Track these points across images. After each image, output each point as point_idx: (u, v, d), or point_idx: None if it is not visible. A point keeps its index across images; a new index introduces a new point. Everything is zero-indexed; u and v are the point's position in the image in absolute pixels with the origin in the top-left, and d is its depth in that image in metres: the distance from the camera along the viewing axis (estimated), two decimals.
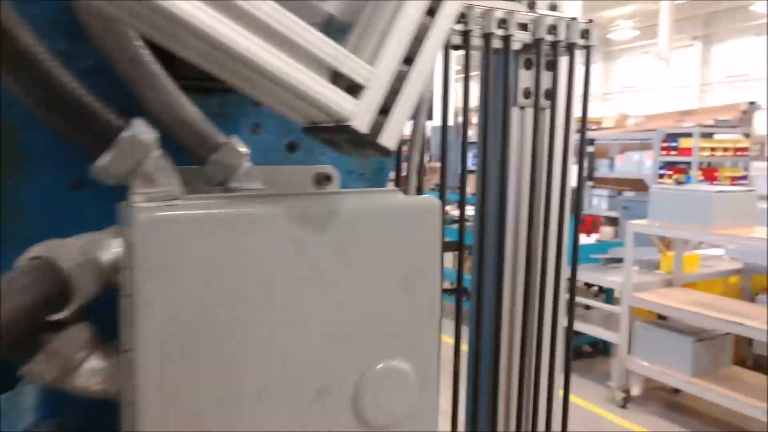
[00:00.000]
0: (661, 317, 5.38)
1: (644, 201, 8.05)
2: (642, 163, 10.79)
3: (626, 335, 5.22)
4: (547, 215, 1.21)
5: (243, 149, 0.86)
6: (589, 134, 12.11)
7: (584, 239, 6.52)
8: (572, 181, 5.33)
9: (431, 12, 0.74)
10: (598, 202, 11.53)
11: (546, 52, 1.12)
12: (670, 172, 10.23)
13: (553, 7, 1.14)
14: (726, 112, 10.58)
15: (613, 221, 10.90)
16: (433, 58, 0.73)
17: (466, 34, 1.04)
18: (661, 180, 10.24)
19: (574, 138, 1.17)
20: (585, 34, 1.13)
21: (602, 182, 11.66)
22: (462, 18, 1.02)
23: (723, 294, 5.61)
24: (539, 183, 1.25)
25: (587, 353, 6.48)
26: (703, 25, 21.71)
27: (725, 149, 10.05)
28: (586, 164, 11.78)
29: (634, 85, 24.84)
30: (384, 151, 0.71)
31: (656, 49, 18.65)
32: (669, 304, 4.90)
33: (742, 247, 5.51)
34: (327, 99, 0.67)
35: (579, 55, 1.15)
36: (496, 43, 1.07)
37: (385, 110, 0.71)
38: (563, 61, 1.15)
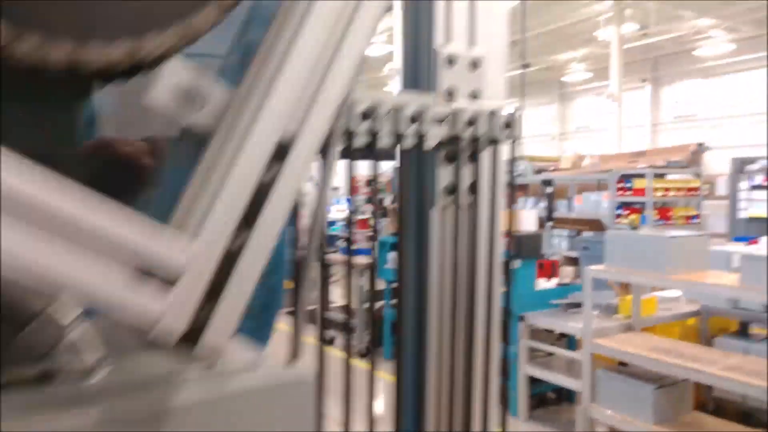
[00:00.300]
0: (622, 363, 5.34)
1: (602, 241, 8.14)
2: (599, 203, 10.98)
3: (588, 383, 5.16)
4: (471, 320, 1.07)
5: (68, 317, 0.67)
6: (547, 175, 12.32)
7: (544, 284, 6.50)
8: (531, 226, 5.25)
9: (282, 153, 0.64)
10: (558, 243, 11.64)
11: (467, 145, 1.04)
12: (627, 212, 10.42)
13: (475, 95, 1.07)
14: (676, 152, 10.90)
15: (573, 261, 11.00)
16: (283, 215, 0.63)
17: (373, 135, 0.94)
18: (618, 220, 10.42)
19: (501, 234, 1.08)
20: (508, 125, 1.06)
21: (562, 222, 11.81)
22: (367, 116, 0.92)
23: (682, 336, 5.62)
24: (462, 288, 1.10)
25: (551, 400, 6.40)
26: (652, 68, 22.58)
27: (678, 189, 10.32)
28: (545, 204, 11.95)
29: (589, 125, 25.55)
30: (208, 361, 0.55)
31: (608, 91, 19.29)
32: (629, 351, 4.87)
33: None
34: (119, 303, 0.52)
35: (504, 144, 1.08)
36: (409, 142, 0.98)
37: (214, 295, 0.55)
38: (487, 154, 1.06)
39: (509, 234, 5.64)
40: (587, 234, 11.08)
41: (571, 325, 5.54)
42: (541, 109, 27.18)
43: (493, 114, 1.03)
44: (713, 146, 13.19)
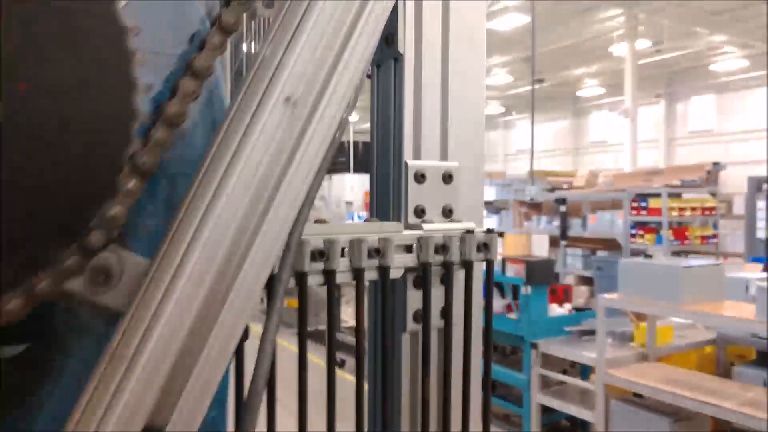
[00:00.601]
0: (637, 394, 5.23)
1: (617, 261, 8.04)
2: (614, 223, 10.84)
3: (602, 414, 5.06)
4: None
5: None
6: (561, 193, 12.20)
7: (557, 310, 6.41)
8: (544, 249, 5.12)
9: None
10: (572, 262, 11.51)
11: (437, 270, 0.94)
12: (642, 232, 10.28)
13: (448, 211, 0.97)
14: (692, 171, 10.75)
15: (588, 280, 10.86)
16: None
17: (329, 275, 0.84)
18: (633, 240, 10.28)
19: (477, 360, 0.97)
20: (484, 247, 0.95)
21: (576, 241, 11.68)
22: (320, 256, 0.83)
23: (698, 365, 5.49)
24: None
25: (566, 428, 6.28)
26: (666, 83, 22.40)
27: (693, 208, 10.16)
28: (558, 223, 11.83)
29: (603, 140, 25.38)
30: None
31: (622, 107, 19.15)
32: (644, 383, 4.76)
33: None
34: None
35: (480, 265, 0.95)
36: (371, 276, 0.87)
37: None
38: (460, 275, 0.98)
39: (520, 260, 5.52)
40: (601, 254, 10.95)
41: (585, 354, 5.44)
42: (555, 125, 27.05)
43: (467, 234, 0.93)
44: (729, 161, 13.00)
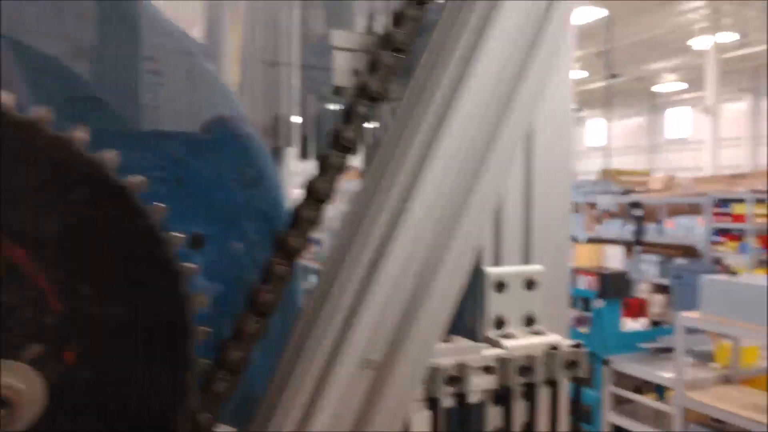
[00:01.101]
0: (717, 419, 4.94)
1: (697, 270, 7.59)
2: (693, 228, 10.29)
3: None
4: None
5: None
6: (636, 197, 11.68)
7: (631, 324, 6.14)
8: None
9: None
10: (647, 268, 11.00)
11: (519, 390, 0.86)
12: (723, 239, 9.71)
13: (530, 320, 0.89)
14: None
15: (663, 288, 10.35)
16: None
17: None
18: (714, 247, 9.73)
19: None
20: (572, 364, 0.88)
21: (651, 247, 11.16)
22: None
23: None
24: None
25: None
26: (751, 78, 21.10)
27: None
28: (633, 228, 11.33)
29: (681, 137, 24.23)
30: None
31: (704, 103, 18.20)
32: (726, 409, 4.48)
33: None
34: None
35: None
36: (448, 402, 0.80)
37: None
38: (545, 392, 0.89)
39: (593, 272, 5.32)
40: (680, 261, 10.41)
41: (661, 374, 5.19)
42: (630, 121, 26.02)
43: (552, 351, 0.86)
44: None
